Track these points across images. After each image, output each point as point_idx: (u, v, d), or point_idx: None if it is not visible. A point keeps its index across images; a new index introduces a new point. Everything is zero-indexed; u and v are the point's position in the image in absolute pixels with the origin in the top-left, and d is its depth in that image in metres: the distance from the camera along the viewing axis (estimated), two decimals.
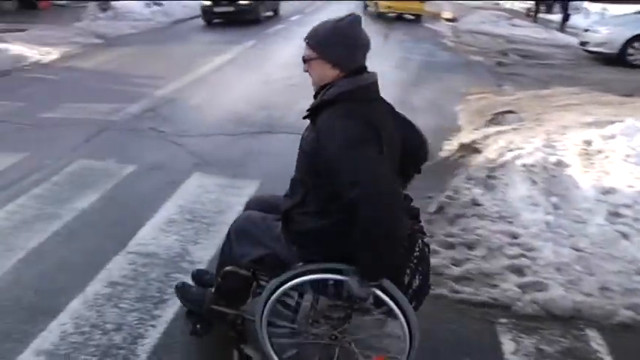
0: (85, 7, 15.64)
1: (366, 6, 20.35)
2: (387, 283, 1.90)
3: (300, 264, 2.01)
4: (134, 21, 14.86)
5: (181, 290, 2.68)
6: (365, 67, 1.96)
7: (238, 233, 2.21)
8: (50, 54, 10.04)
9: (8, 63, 8.99)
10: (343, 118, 1.83)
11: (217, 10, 14.58)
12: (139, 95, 6.82)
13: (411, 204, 2.21)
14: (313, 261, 1.99)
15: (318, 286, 2.00)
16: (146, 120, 5.78)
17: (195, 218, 3.66)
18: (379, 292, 1.89)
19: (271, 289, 2.04)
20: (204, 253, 3.23)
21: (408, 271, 2.00)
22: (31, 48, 10.41)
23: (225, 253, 2.30)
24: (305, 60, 1.97)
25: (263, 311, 2.09)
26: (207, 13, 14.75)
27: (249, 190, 4.07)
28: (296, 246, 2.04)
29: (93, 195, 3.96)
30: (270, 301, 2.06)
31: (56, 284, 2.91)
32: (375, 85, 1.97)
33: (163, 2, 16.71)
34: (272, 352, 2.20)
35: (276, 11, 17.85)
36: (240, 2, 14.60)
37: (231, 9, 14.53)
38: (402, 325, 1.95)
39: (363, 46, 1.93)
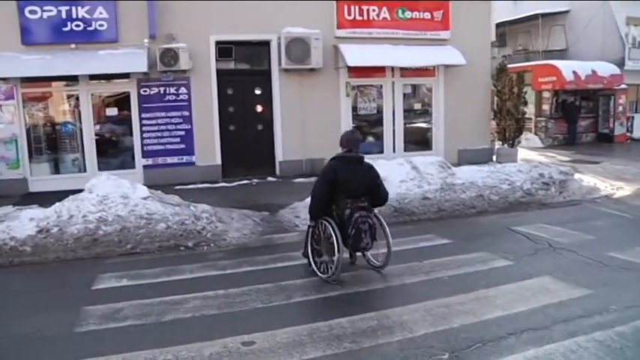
0: None
1: None
2: (332, 222, 5.12)
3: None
4: None
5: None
6: (350, 149, 5.33)
7: None
8: (622, 189, 9.93)
9: (580, 193, 9.43)
10: (329, 163, 5.31)
11: None
12: None
13: (364, 204, 5.23)
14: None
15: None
16: None
17: None
18: (326, 223, 5.17)
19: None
20: None
21: (350, 227, 5.02)
22: (603, 181, 10.65)
23: None
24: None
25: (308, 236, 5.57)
26: None
27: None
28: None
29: None
30: (309, 232, 5.52)
31: None
32: (353, 157, 5.29)
33: None
34: (311, 258, 5.48)
35: None
36: None
37: None
38: (333, 241, 5.06)
39: (350, 140, 5.40)
